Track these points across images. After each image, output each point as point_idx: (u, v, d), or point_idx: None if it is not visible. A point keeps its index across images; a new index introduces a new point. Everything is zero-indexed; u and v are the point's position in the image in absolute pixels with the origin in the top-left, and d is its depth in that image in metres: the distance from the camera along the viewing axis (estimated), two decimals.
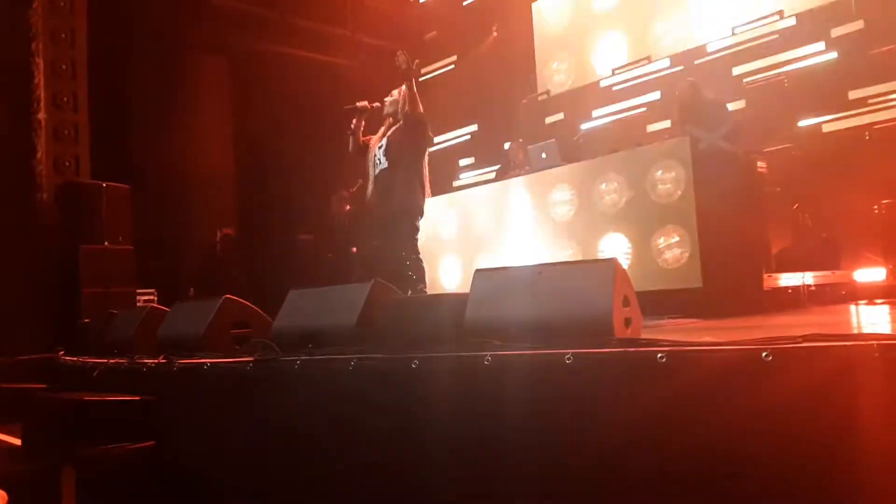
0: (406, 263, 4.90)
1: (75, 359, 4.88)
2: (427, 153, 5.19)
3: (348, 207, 8.43)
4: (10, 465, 3.84)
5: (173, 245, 9.46)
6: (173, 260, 9.40)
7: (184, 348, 3.74)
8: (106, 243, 7.21)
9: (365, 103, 5.11)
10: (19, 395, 4.69)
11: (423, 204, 5.07)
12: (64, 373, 4.91)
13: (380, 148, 5.09)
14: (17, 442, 4.22)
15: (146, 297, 7.76)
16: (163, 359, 3.68)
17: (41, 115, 7.21)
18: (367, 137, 5.29)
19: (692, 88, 6.26)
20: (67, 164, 7.42)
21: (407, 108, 4.94)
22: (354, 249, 8.17)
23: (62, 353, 5.33)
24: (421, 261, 5.07)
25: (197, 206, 9.66)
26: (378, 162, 5.07)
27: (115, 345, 4.60)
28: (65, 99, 7.41)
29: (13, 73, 7.19)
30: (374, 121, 5.32)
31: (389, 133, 5.07)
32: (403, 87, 5.06)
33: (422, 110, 4.96)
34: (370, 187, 5.13)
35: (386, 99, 5.18)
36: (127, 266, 7.36)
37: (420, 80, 4.95)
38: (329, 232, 8.58)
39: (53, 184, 7.27)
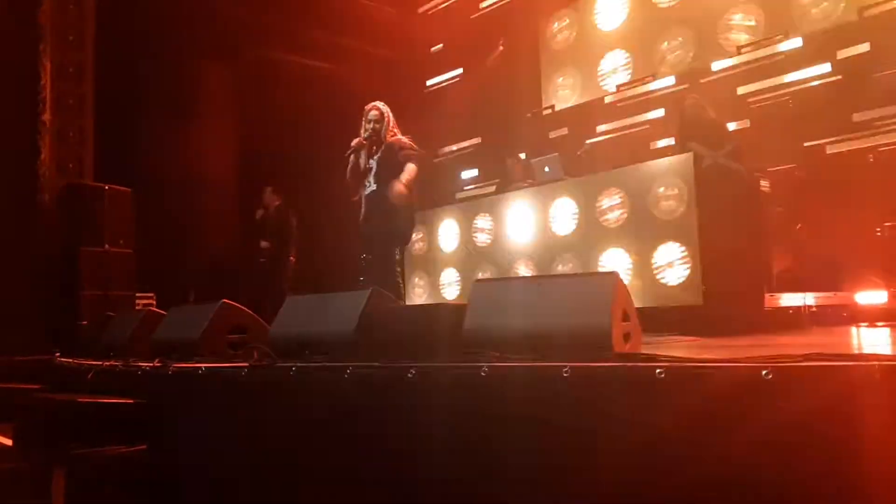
0: (386, 279, 5.04)
1: (71, 360, 4.86)
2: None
3: (277, 203, 8.42)
4: (0, 465, 3.81)
5: (175, 250, 9.44)
6: (175, 265, 9.37)
7: (179, 352, 3.72)
8: (106, 246, 7.20)
9: (359, 139, 5.26)
10: (12, 395, 4.66)
11: (408, 226, 5.29)
12: (59, 374, 4.89)
13: (369, 170, 5.28)
14: (9, 442, 4.19)
15: (145, 301, 7.73)
16: (158, 362, 3.65)
17: (46, 117, 7.22)
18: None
19: (696, 106, 6.27)
20: (71, 165, 7.42)
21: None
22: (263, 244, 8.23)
23: (58, 354, 5.32)
24: (399, 279, 5.26)
25: (200, 212, 9.64)
26: (367, 184, 5.26)
27: (110, 347, 4.58)
28: (70, 101, 7.42)
29: (19, 73, 7.21)
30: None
31: (378, 156, 5.22)
32: (382, 105, 5.27)
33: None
34: (363, 205, 5.33)
35: (367, 120, 5.23)
36: (127, 269, 7.35)
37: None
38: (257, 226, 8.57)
39: (56, 185, 7.27)
